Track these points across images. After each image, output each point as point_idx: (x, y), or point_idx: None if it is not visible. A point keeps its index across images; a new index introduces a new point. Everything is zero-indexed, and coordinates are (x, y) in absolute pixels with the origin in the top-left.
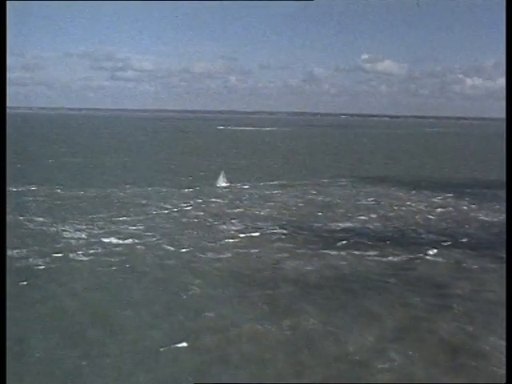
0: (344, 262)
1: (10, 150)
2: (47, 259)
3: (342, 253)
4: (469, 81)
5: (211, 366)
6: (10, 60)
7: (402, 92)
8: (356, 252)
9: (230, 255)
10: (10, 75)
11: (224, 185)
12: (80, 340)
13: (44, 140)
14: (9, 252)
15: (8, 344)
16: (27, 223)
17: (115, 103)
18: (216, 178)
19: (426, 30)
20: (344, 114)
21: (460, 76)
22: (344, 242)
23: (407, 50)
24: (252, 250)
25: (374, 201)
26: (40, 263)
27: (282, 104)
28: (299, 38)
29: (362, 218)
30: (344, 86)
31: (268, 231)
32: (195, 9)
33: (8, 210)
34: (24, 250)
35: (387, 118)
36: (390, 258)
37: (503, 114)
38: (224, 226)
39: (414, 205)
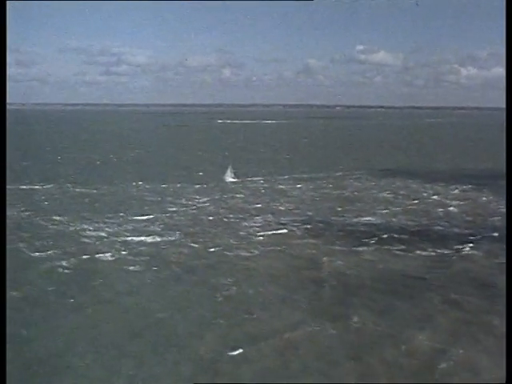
0: (378, 259)
1: (14, 147)
2: (73, 261)
3: (373, 249)
4: (464, 71)
5: (274, 374)
6: None
7: (397, 83)
8: (387, 248)
9: (258, 253)
10: None
11: (231, 180)
12: (131, 349)
13: (46, 136)
14: (31, 254)
15: (48, 360)
16: (44, 223)
17: (110, 98)
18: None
19: (421, 21)
20: (339, 106)
21: (455, 66)
22: (372, 237)
23: (402, 40)
24: (280, 248)
25: (392, 193)
26: (66, 265)
27: (276, 96)
28: (293, 30)
29: (384, 211)
30: (339, 77)
31: (292, 227)
32: (189, 2)
33: (22, 209)
34: (47, 252)
35: (383, 109)
36: (424, 253)
37: (499, 104)
38: (245, 223)
39: (432, 197)
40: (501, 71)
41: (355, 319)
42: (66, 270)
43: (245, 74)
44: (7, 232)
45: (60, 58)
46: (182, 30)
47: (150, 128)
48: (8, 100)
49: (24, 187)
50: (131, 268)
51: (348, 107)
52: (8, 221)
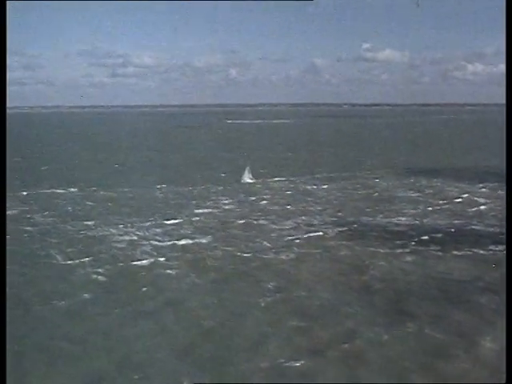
0: (420, 262)
1: (30, 151)
2: (108, 268)
3: (413, 251)
4: (470, 67)
5: None
6: (10, 60)
7: (403, 80)
8: (426, 250)
9: (294, 256)
10: (10, 75)
11: (249, 181)
12: (189, 360)
13: (59, 139)
14: (64, 262)
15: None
16: (72, 228)
17: (117, 100)
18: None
19: (427, 18)
20: (346, 104)
21: (461, 62)
22: (408, 238)
23: (408, 37)
24: (317, 251)
25: (418, 193)
26: (102, 272)
27: (283, 95)
28: (299, 30)
29: (413, 211)
30: (345, 75)
31: (325, 229)
32: (194, 3)
33: (45, 214)
34: (80, 259)
35: (390, 107)
36: (463, 254)
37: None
38: (275, 226)
39: (461, 196)
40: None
41: (411, 326)
42: (102, 278)
43: (251, 73)
44: (36, 239)
45: (66, 60)
46: (187, 30)
47: (162, 129)
48: (16, 104)
49: (46, 191)
50: (170, 274)
51: (354, 105)
52: (34, 227)
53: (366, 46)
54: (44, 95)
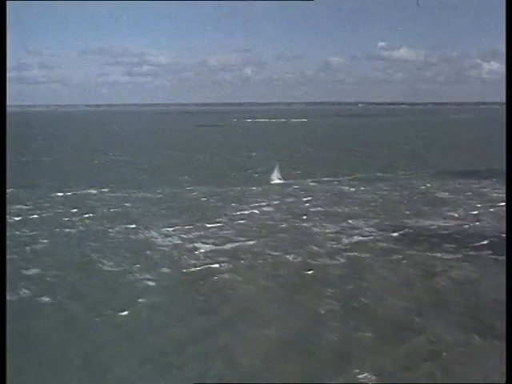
0: (488, 268)
1: (51, 150)
2: (159, 274)
3: (472, 258)
4: (486, 65)
5: None
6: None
7: (419, 79)
8: (484, 256)
9: (345, 261)
10: (26, 74)
11: (278, 181)
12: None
13: (80, 138)
14: (111, 269)
15: None
16: (111, 231)
17: (131, 99)
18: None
19: (442, 16)
20: (362, 103)
21: (477, 61)
22: (462, 244)
23: (424, 36)
24: (367, 255)
25: (451, 194)
26: (153, 278)
27: (298, 94)
28: (314, 28)
29: (451, 213)
30: (360, 74)
31: (370, 233)
32: (209, 2)
33: (83, 216)
34: (127, 265)
35: (406, 106)
36: None
37: None
38: (318, 229)
39: (494, 197)
40: None
41: None
42: (158, 285)
43: (266, 72)
44: (77, 242)
45: (82, 59)
46: (202, 29)
47: (183, 128)
48: (31, 102)
49: (79, 192)
50: (228, 282)
51: (370, 104)
52: (73, 230)
53: (381, 44)
54: (60, 94)
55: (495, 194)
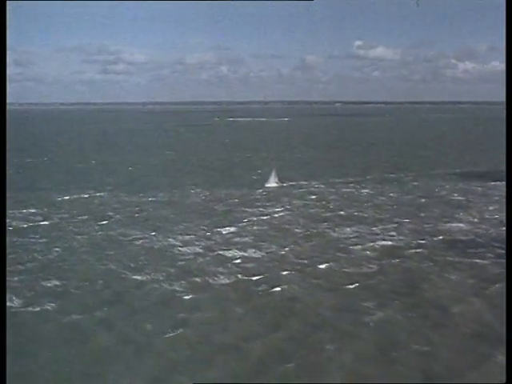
0: None
1: (35, 151)
2: (185, 285)
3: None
4: (461, 65)
5: None
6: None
7: (395, 78)
8: None
9: (377, 268)
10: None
11: (275, 185)
12: None
13: (63, 138)
14: (133, 276)
15: None
16: (124, 238)
17: (107, 97)
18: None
19: (420, 16)
20: (339, 102)
21: (453, 61)
22: (487, 250)
23: (401, 35)
24: (395, 261)
25: (462, 196)
26: (181, 290)
27: (274, 93)
28: (291, 26)
29: (468, 218)
30: (337, 73)
31: (389, 237)
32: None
33: (96, 223)
34: (150, 274)
35: (383, 105)
36: None
37: (497, 98)
38: (336, 234)
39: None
40: (498, 65)
41: None
42: (186, 296)
43: (242, 70)
44: (89, 250)
45: (57, 57)
46: (179, 27)
47: (167, 128)
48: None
49: (75, 196)
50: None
51: (347, 103)
52: (82, 236)
53: (358, 43)
54: (34, 92)
55: (499, 197)
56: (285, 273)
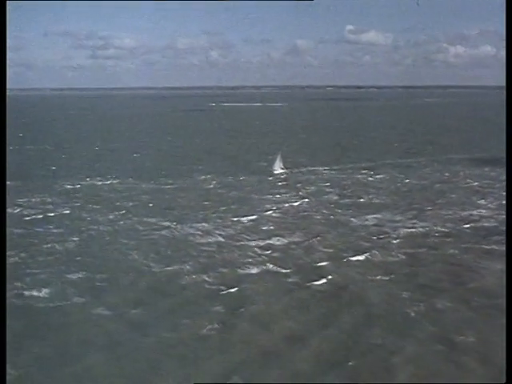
0: None
1: (38, 137)
2: (216, 276)
3: None
4: (452, 49)
5: None
6: None
7: (386, 62)
8: None
9: (406, 258)
10: None
11: (280, 171)
12: None
13: (60, 124)
14: (159, 270)
15: None
16: (142, 227)
17: (97, 82)
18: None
19: (410, 0)
20: (330, 86)
21: (444, 45)
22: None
23: (392, 19)
24: (423, 250)
25: (477, 182)
26: (213, 281)
27: (265, 78)
28: (281, 11)
29: (487, 204)
30: (328, 57)
31: (411, 225)
32: None
33: (103, 210)
34: (176, 265)
35: (375, 89)
36: None
37: (488, 82)
38: (356, 220)
39: None
40: (490, 50)
41: None
42: (223, 291)
43: (232, 55)
44: (108, 239)
45: (46, 42)
46: (169, 12)
47: (164, 113)
48: None
49: (84, 183)
50: (296, 286)
51: (339, 87)
52: (99, 226)
53: (349, 27)
54: (23, 77)
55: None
56: (319, 264)
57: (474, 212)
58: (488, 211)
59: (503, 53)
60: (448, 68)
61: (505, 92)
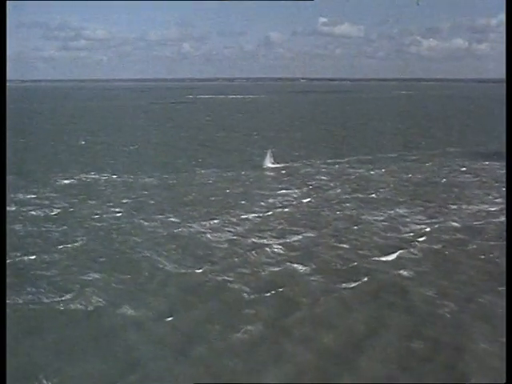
0: None
1: (21, 130)
2: (236, 277)
3: None
4: (425, 42)
5: None
6: None
7: (359, 55)
8: None
9: (422, 255)
10: None
11: (271, 165)
12: None
13: (43, 117)
14: (176, 270)
15: None
16: (147, 223)
17: (69, 74)
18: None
19: None
20: (303, 78)
21: (417, 38)
22: None
23: (365, 12)
24: (438, 247)
25: (479, 177)
26: (233, 281)
27: (237, 70)
28: (255, 3)
29: (492, 199)
30: (301, 50)
31: (420, 221)
32: None
33: (103, 206)
34: (196, 267)
35: (348, 82)
36: None
37: (461, 75)
38: (365, 217)
39: None
40: (461, 43)
41: None
42: (246, 294)
43: (205, 47)
44: (116, 237)
45: (16, 32)
46: (141, 3)
47: (142, 105)
48: None
49: (78, 179)
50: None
51: (312, 80)
52: (102, 224)
53: (322, 20)
54: None
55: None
56: (341, 264)
57: (480, 207)
58: (493, 206)
59: (475, 46)
60: (421, 61)
61: (505, 86)
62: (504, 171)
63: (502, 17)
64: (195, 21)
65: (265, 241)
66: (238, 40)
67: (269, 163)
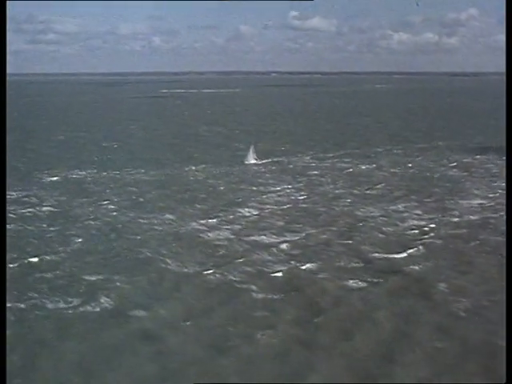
0: None
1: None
2: (241, 276)
3: None
4: (396, 36)
5: None
6: None
7: (330, 48)
8: None
9: (424, 253)
10: None
11: (253, 162)
12: None
13: (16, 113)
14: (182, 270)
15: None
16: (145, 222)
17: (37, 67)
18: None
19: None
20: (274, 72)
21: (388, 31)
22: None
23: (336, 6)
24: (440, 242)
25: (472, 171)
26: (239, 280)
27: (208, 64)
28: None
29: (486, 194)
30: (271, 43)
31: (416, 215)
32: None
33: (93, 204)
34: (199, 266)
35: (319, 75)
36: None
37: (431, 69)
38: (361, 213)
39: None
40: (431, 37)
41: None
42: (255, 293)
43: (175, 41)
44: (114, 236)
45: None
46: None
47: (117, 100)
48: None
49: (63, 176)
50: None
51: (283, 73)
52: (95, 222)
53: (293, 13)
54: None
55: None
56: (344, 262)
57: (475, 202)
58: (489, 201)
59: (444, 40)
60: (392, 54)
61: (505, 80)
62: (492, 165)
63: (472, 11)
64: (165, 15)
65: (264, 238)
66: (208, 34)
67: (252, 159)
